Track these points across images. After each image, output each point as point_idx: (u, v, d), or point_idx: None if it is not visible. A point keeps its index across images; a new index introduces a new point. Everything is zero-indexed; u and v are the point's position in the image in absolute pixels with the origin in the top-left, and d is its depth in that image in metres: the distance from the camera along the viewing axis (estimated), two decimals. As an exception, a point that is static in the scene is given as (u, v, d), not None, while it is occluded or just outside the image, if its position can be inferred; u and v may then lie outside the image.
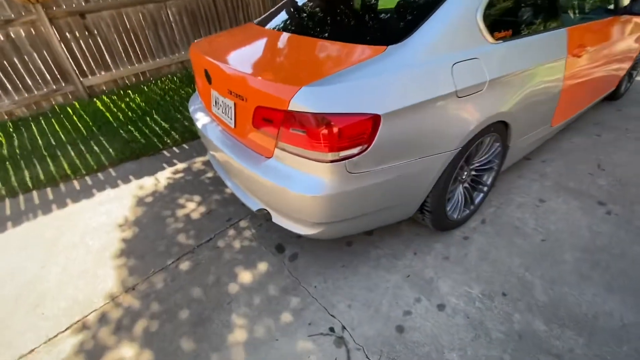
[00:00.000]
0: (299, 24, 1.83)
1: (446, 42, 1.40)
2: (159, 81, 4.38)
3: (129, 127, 3.44)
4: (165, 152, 3.05)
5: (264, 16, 2.19)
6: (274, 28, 1.90)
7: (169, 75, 4.55)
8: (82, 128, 3.47)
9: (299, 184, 1.32)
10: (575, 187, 2.22)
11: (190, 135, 3.25)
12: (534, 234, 1.90)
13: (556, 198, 2.14)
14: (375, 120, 1.23)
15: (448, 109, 1.40)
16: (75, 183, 2.70)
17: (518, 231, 1.92)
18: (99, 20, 3.84)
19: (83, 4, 3.72)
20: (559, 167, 2.42)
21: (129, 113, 3.69)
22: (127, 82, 4.30)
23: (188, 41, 4.62)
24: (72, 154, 3.06)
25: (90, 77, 4.00)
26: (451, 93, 1.38)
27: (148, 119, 3.57)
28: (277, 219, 1.58)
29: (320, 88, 1.18)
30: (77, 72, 3.87)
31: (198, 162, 2.86)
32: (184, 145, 3.14)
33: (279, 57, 1.49)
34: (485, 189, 1.97)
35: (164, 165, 2.86)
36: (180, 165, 2.83)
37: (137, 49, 4.23)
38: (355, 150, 1.24)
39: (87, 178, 2.75)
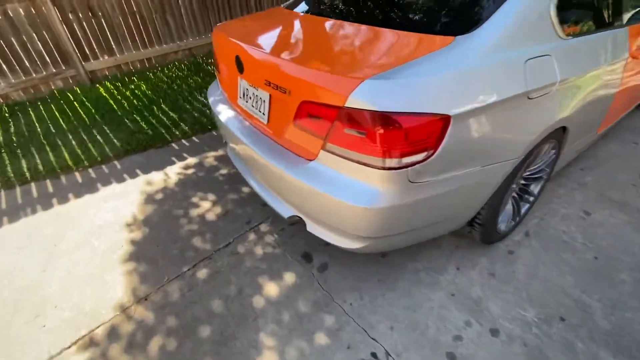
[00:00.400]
0: (343, 9, 1.62)
1: (518, 34, 1.22)
2: (165, 68, 4.14)
3: (135, 116, 3.22)
4: (174, 145, 2.85)
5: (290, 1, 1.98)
6: (311, 13, 1.70)
7: (176, 63, 4.31)
8: (84, 115, 3.24)
9: (348, 193, 1.14)
10: (620, 199, 2.07)
11: (201, 127, 3.05)
12: (583, 249, 1.74)
13: (602, 210, 1.99)
14: (445, 121, 1.05)
15: (518, 111, 1.23)
16: (77, 175, 2.50)
17: (567, 246, 1.77)
18: (103, 1, 3.59)
19: (87, -18, 3.47)
20: (599, 176, 2.27)
21: (134, 101, 3.47)
22: (131, 68, 4.06)
23: (197, 27, 4.38)
24: (74, 143, 2.85)
25: (92, 61, 3.75)
26: (523, 94, 1.21)
27: (155, 108, 3.35)
28: (313, 228, 1.40)
29: (386, 82, 1.00)
30: (79, 55, 3.63)
31: (210, 157, 2.66)
32: (194, 138, 2.94)
33: (328, 45, 1.29)
34: (531, 199, 1.81)
35: (174, 159, 2.66)
36: (191, 160, 2.63)
37: (143, 34, 3.99)
38: (420, 157, 1.06)
39: (90, 170, 2.55)
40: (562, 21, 1.35)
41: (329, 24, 1.46)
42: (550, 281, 1.59)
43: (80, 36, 3.59)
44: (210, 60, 4.42)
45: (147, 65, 4.16)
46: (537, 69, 1.25)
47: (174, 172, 2.49)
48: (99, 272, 1.71)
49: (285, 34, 1.49)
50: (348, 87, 1.02)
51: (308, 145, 1.24)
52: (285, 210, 1.47)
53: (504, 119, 1.21)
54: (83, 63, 3.68)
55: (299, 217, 1.43)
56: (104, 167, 2.59)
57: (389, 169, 1.05)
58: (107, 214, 2.11)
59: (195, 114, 3.25)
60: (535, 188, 1.80)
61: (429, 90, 1.03)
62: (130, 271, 1.72)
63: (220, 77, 1.82)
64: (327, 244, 1.70)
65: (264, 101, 1.39)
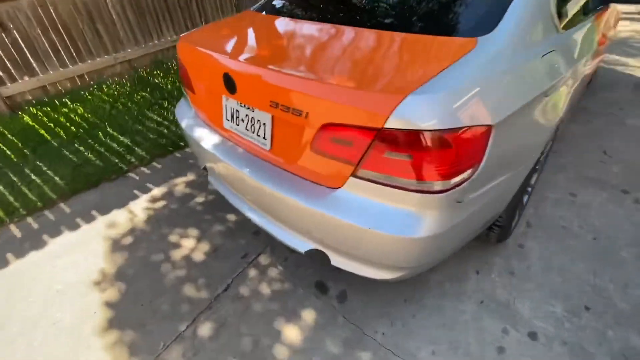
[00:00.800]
0: (342, 12, 1.44)
1: (530, 31, 1.17)
2: (103, 86, 3.61)
3: (76, 145, 2.74)
4: (132, 175, 2.47)
5: (264, 1, 1.77)
6: (302, 17, 1.48)
7: (115, 78, 3.79)
8: (8, 152, 2.68)
9: (386, 222, 1.00)
10: (596, 177, 2.21)
11: (160, 150, 2.69)
12: (582, 233, 1.81)
13: (584, 190, 2.10)
14: (488, 132, 0.96)
15: (540, 110, 1.19)
16: (13, 229, 2.03)
17: (567, 231, 1.82)
18: (15, 12, 2.99)
19: (-12, -10, 2.86)
20: (571, 157, 2.41)
21: (72, 128, 2.96)
22: (60, 88, 3.48)
23: (134, 36, 3.89)
24: (0, 188, 2.33)
25: (9, 84, 3.13)
26: (543, 92, 1.17)
27: (100, 133, 2.89)
28: (338, 261, 1.24)
29: (430, 96, 0.87)
30: (-11, 79, 3.00)
31: (180, 184, 2.35)
32: (155, 164, 2.58)
33: (341, 56, 1.10)
34: (530, 190, 1.83)
35: (136, 192, 2.29)
36: (158, 190, 2.29)
37: (71, 48, 3.43)
38: (467, 174, 0.96)
39: (30, 220, 2.09)
40: (558, 14, 1.35)
41: (332, 30, 1.28)
42: (565, 270, 1.61)
43: (-12, 56, 2.97)
44: (156, 72, 3.96)
45: (79, 84, 3.60)
46: (550, 65, 1.22)
47: (140, 208, 2.14)
48: (70, 353, 1.37)
49: (281, 45, 1.29)
50: (387, 105, 0.87)
51: (332, 172, 1.07)
52: (302, 245, 1.29)
53: (530, 120, 1.16)
54: (-4, 88, 3.06)
55: (319, 250, 1.26)
56: (47, 213, 2.14)
57: (439, 192, 0.93)
58: (66, 273, 1.73)
59: (151, 135, 2.86)
60: (532, 179, 1.82)
61: (471, 100, 0.93)
62: (112, 344, 1.40)
63: (194, 96, 1.55)
64: (340, 269, 1.55)
65: (264, 124, 1.19)
